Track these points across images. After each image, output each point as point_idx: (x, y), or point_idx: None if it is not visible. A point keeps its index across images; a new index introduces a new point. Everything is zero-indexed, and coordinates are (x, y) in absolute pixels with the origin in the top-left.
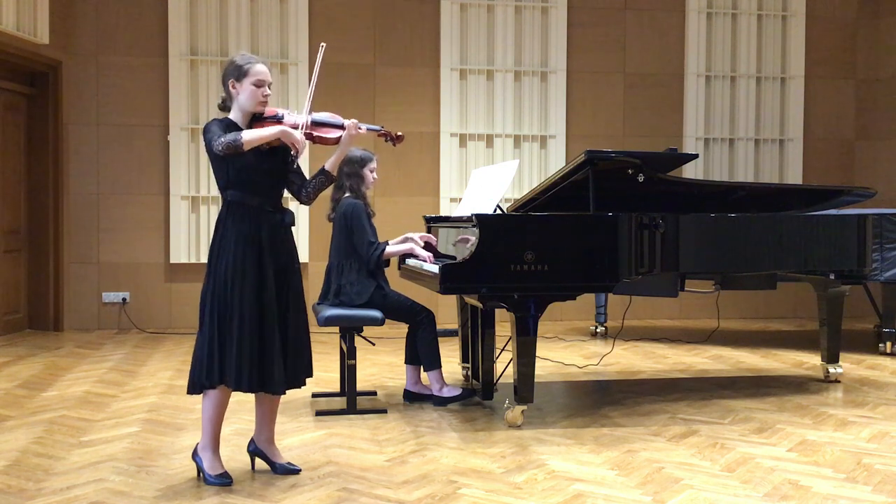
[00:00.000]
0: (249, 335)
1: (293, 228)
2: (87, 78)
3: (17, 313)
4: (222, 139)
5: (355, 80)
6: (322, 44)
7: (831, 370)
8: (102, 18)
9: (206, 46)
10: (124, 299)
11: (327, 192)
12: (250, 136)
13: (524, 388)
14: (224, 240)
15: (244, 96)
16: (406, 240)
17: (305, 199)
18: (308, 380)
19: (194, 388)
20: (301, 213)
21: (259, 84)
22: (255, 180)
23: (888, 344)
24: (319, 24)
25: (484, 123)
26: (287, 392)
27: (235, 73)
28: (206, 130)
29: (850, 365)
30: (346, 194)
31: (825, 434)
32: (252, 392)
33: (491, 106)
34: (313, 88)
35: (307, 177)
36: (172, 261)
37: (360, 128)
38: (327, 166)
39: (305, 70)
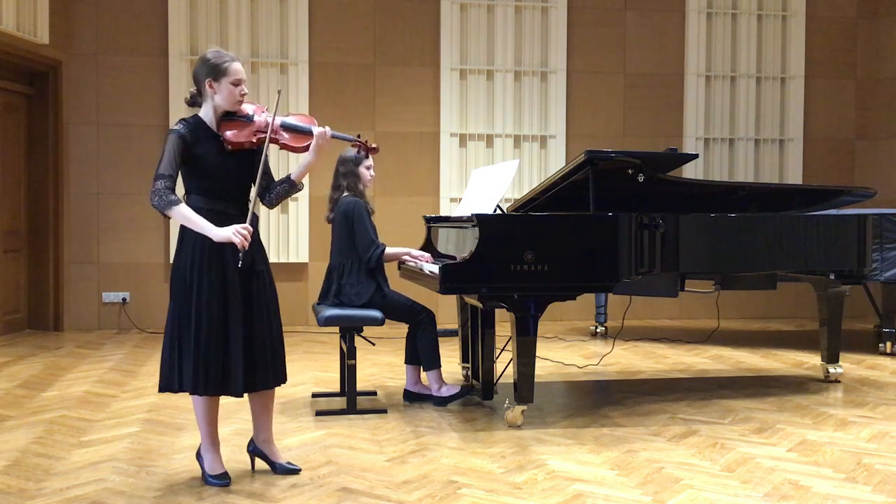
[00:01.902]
0: (206, 338)
1: (258, 229)
2: (87, 78)
3: (17, 313)
4: (158, 197)
5: (355, 80)
6: (279, 89)
7: (831, 370)
8: (102, 18)
9: (205, 46)
10: (124, 299)
11: (327, 193)
12: (179, 215)
13: (524, 388)
14: (183, 245)
15: (222, 96)
16: (406, 253)
17: (268, 204)
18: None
19: (161, 387)
20: (301, 213)
21: (237, 83)
22: (218, 184)
23: (888, 344)
24: (319, 24)
25: (484, 123)
26: (244, 394)
27: (213, 72)
28: (165, 143)
29: (850, 365)
30: (345, 194)
31: (825, 434)
32: (208, 395)
33: (491, 106)
34: (275, 114)
35: (275, 180)
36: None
37: (327, 135)
38: (294, 175)
39: (306, 70)
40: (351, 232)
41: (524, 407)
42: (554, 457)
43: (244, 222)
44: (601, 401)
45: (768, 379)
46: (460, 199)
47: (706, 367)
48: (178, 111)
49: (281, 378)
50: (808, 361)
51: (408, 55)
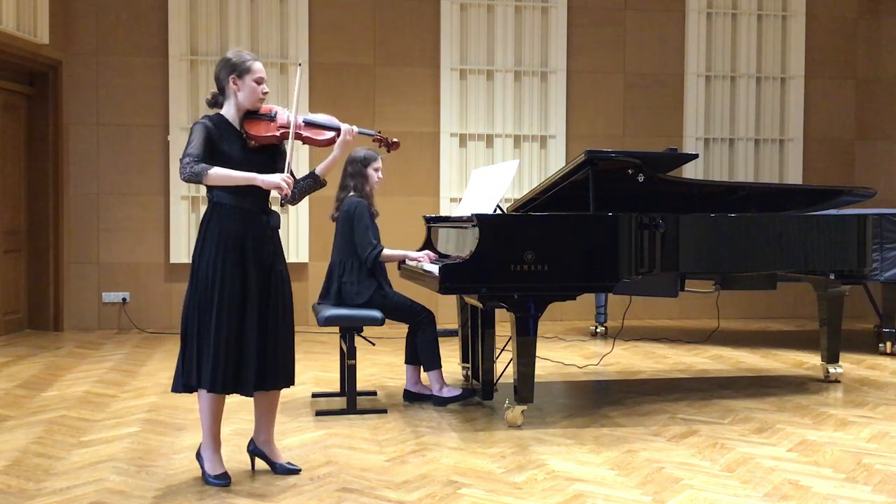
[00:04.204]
0: (227, 336)
1: (280, 230)
2: (87, 78)
3: (17, 313)
4: (190, 168)
5: (355, 80)
6: (300, 61)
7: (831, 370)
8: (102, 18)
9: (206, 46)
10: (124, 299)
11: (331, 192)
12: (217, 175)
13: (524, 388)
14: (206, 241)
15: (245, 94)
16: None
17: (291, 200)
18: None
19: (175, 387)
20: (301, 213)
21: (259, 81)
22: None
23: (888, 344)
24: (319, 24)
25: (484, 123)
26: (254, 392)
27: (237, 70)
28: (192, 131)
29: (850, 365)
30: (351, 194)
31: (825, 434)
32: (225, 393)
33: (491, 106)
34: (298, 97)
35: (297, 177)
36: (172, 261)
37: (353, 131)
38: (318, 170)
39: (306, 70)
40: (352, 232)
41: (524, 407)
42: (554, 457)
43: (265, 220)
44: (601, 401)
45: (768, 379)
46: (460, 199)
47: (706, 367)
48: (179, 111)
49: (290, 380)
50: (808, 361)
51: (408, 55)
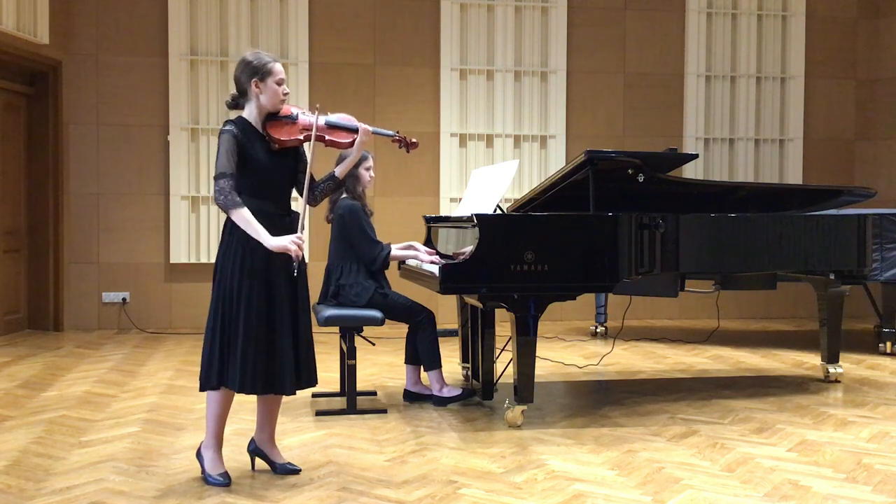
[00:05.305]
0: (256, 337)
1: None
2: (87, 78)
3: (17, 313)
4: (224, 197)
5: (355, 80)
6: (317, 105)
7: (831, 370)
8: (102, 18)
9: (206, 46)
10: (124, 299)
11: None
12: (240, 217)
13: (524, 388)
14: (231, 243)
15: (267, 96)
16: (409, 247)
17: (312, 201)
18: None
19: (202, 386)
20: None
21: (280, 82)
22: (266, 183)
23: (888, 344)
24: (319, 24)
25: (484, 123)
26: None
27: (258, 72)
28: (220, 143)
29: (850, 365)
30: (343, 195)
31: (825, 434)
32: (255, 394)
33: (491, 106)
34: (317, 120)
35: (316, 178)
36: (172, 261)
37: (369, 131)
38: (337, 172)
39: (306, 70)
40: (348, 235)
41: (524, 407)
42: (554, 457)
43: (287, 221)
44: (601, 401)
45: (768, 379)
46: (460, 199)
47: (706, 367)
48: (178, 111)
49: (315, 379)
50: (808, 361)
51: (408, 55)
